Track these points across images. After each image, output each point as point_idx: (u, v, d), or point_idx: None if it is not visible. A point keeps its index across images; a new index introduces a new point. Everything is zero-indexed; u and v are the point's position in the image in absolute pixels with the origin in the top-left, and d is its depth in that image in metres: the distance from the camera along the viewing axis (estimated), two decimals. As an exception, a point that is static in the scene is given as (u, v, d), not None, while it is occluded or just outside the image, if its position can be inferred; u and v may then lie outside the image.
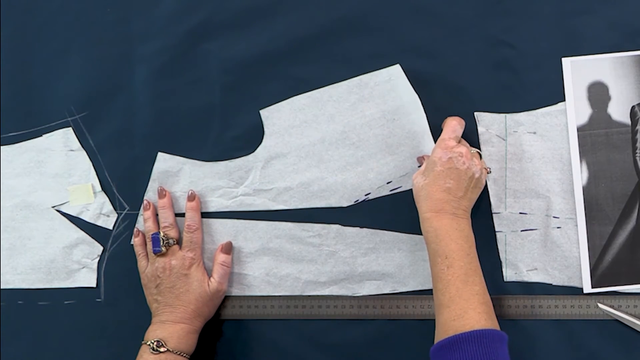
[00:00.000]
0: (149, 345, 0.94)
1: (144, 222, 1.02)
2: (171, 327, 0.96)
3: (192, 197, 1.02)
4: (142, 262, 1.01)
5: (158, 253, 0.99)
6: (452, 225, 0.90)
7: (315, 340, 1.02)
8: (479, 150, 0.97)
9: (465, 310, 0.86)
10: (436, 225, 0.91)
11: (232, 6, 1.03)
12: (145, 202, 1.03)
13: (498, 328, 0.87)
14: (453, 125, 0.95)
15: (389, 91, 1.01)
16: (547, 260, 0.99)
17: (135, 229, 1.03)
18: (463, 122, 0.96)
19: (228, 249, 1.02)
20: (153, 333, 0.96)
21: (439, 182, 0.92)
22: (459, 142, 0.96)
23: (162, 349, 0.94)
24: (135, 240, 1.02)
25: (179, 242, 1.01)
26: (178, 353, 0.95)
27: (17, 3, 1.07)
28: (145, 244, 1.01)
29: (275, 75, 1.03)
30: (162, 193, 1.02)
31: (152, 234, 1.00)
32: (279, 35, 1.03)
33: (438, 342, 0.86)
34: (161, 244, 0.99)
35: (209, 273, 1.01)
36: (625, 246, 0.97)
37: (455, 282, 0.88)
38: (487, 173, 0.96)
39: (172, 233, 1.00)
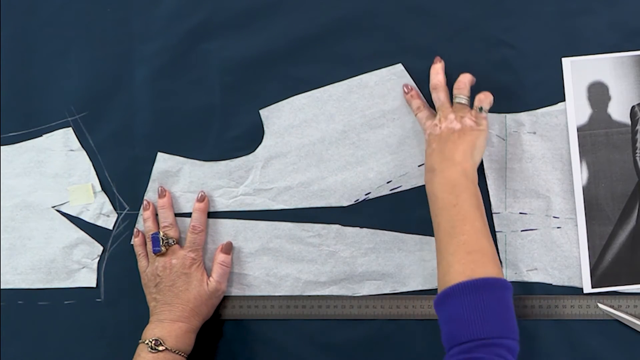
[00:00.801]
0: (147, 344, 0.94)
1: (143, 222, 1.02)
2: (169, 326, 0.96)
3: (201, 199, 1.02)
4: (142, 262, 1.01)
5: (158, 253, 0.99)
6: (437, 180, 0.91)
7: (315, 340, 1.02)
8: (461, 101, 0.95)
9: (450, 265, 0.86)
10: (427, 186, 0.92)
11: (232, 6, 1.03)
12: (145, 202, 1.03)
13: (491, 273, 0.84)
14: (434, 98, 0.97)
15: (390, 91, 1.01)
16: (547, 260, 0.99)
17: (135, 229, 1.03)
18: (438, 85, 0.96)
19: (228, 249, 1.02)
20: (151, 332, 0.96)
21: (429, 150, 0.94)
22: (443, 109, 0.95)
23: (160, 348, 0.94)
24: (135, 241, 1.02)
25: (179, 241, 1.01)
26: (176, 352, 0.95)
27: (17, 3, 1.07)
28: (145, 244, 1.01)
29: (275, 75, 1.03)
30: (162, 193, 1.02)
31: (152, 234, 1.00)
32: (279, 35, 1.03)
33: (435, 299, 0.86)
34: (161, 243, 0.99)
35: (208, 273, 1.01)
36: (625, 246, 0.97)
37: (442, 236, 0.88)
38: (479, 111, 0.94)
39: (172, 233, 1.00)
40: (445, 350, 0.83)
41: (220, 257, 1.01)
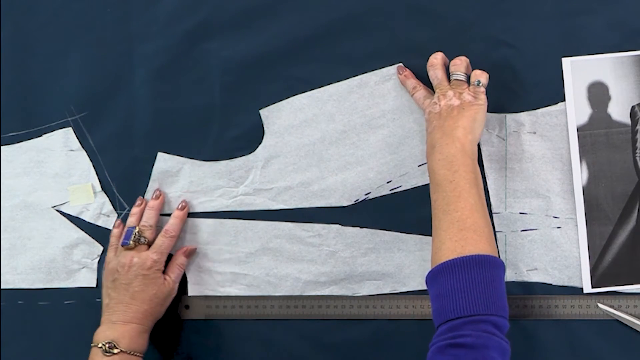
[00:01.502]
0: (101, 347, 0.93)
1: (129, 216, 1.02)
2: (122, 328, 0.94)
3: (182, 208, 1.02)
4: (110, 254, 1.00)
5: (125, 246, 0.98)
6: (435, 156, 0.90)
7: (315, 340, 1.02)
8: (459, 78, 0.95)
9: (442, 242, 0.85)
10: (427, 162, 0.92)
11: (232, 6, 1.03)
12: (139, 200, 1.03)
13: (482, 250, 0.84)
14: (431, 76, 0.96)
15: (390, 91, 1.01)
16: (547, 260, 0.99)
17: (118, 221, 1.03)
18: (435, 62, 0.96)
19: (191, 254, 1.02)
20: (103, 334, 0.94)
21: (429, 128, 0.94)
22: (441, 88, 0.95)
23: (114, 350, 0.92)
24: (114, 231, 1.02)
25: (150, 245, 1.00)
26: (131, 353, 0.94)
27: (17, 3, 1.07)
28: (119, 235, 1.01)
29: (275, 75, 1.03)
30: (156, 196, 1.02)
31: (128, 227, 1.00)
32: (279, 35, 1.03)
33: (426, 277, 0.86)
34: (132, 238, 0.98)
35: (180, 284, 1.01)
36: (625, 246, 0.97)
37: (437, 213, 0.88)
38: (477, 85, 0.94)
39: (148, 234, 1.00)
40: (435, 329, 0.83)
41: (181, 259, 1.01)
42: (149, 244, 1.00)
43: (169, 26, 1.04)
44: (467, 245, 0.84)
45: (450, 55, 0.97)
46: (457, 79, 0.94)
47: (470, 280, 0.81)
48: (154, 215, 1.01)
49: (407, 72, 0.99)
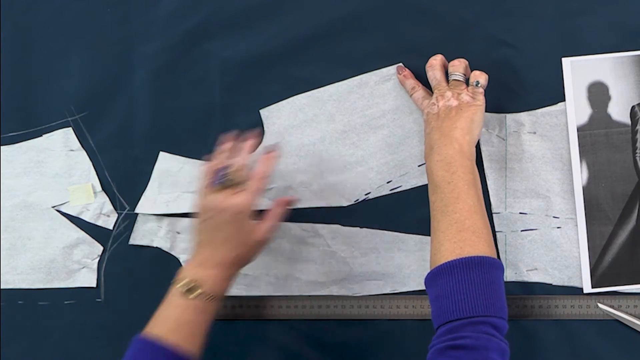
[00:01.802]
0: (181, 287, 0.89)
1: (218, 153, 0.96)
2: (208, 270, 0.90)
3: (273, 149, 0.96)
4: (201, 189, 0.93)
5: (217, 187, 0.91)
6: (434, 157, 0.90)
7: (315, 340, 1.02)
8: (457, 78, 0.94)
9: (441, 243, 0.85)
10: (426, 164, 0.91)
11: (232, 6, 1.03)
12: (226, 137, 0.97)
13: (481, 252, 0.84)
14: (430, 77, 0.96)
15: (390, 91, 1.01)
16: (547, 260, 0.99)
17: (211, 155, 0.96)
18: (434, 63, 0.96)
19: (290, 203, 1.00)
20: (187, 274, 0.90)
21: (428, 129, 0.93)
22: (440, 86, 0.94)
23: (196, 292, 0.88)
24: (205, 166, 0.95)
25: (240, 185, 0.92)
26: (212, 298, 0.89)
27: (17, 3, 1.07)
28: (216, 171, 0.93)
29: (275, 75, 1.03)
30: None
31: (222, 167, 0.92)
32: (279, 35, 1.03)
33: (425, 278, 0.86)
34: (225, 179, 0.91)
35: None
36: (625, 246, 0.97)
37: (436, 214, 0.87)
38: (476, 85, 0.94)
39: (241, 176, 0.92)
40: (434, 330, 0.83)
41: (278, 209, 0.98)
42: (240, 185, 0.92)
43: (169, 26, 1.04)
44: (466, 247, 0.84)
45: (450, 56, 0.97)
46: (456, 79, 0.94)
47: (470, 282, 0.81)
48: (249, 156, 0.93)
49: (407, 72, 0.99)
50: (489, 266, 0.83)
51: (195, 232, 0.93)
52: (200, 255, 0.91)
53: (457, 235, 0.85)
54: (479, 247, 0.84)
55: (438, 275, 0.83)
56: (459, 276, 0.82)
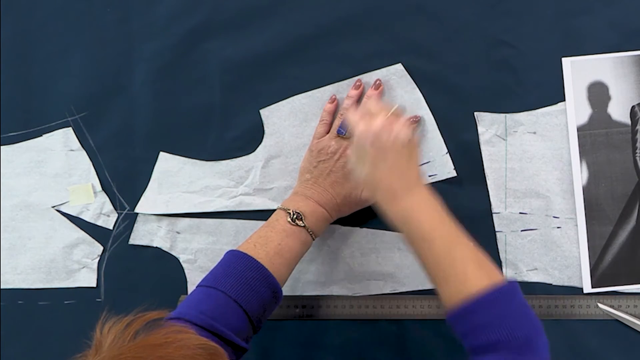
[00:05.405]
0: (289, 213, 0.92)
1: (345, 100, 0.99)
2: (314, 206, 0.94)
3: (377, 86, 0.99)
4: (320, 129, 0.99)
5: (340, 135, 0.96)
6: (413, 204, 0.82)
7: (315, 340, 1.02)
8: (395, 108, 0.87)
9: (465, 276, 0.79)
10: (397, 211, 0.82)
11: (232, 6, 1.03)
12: (359, 81, 1.00)
13: (498, 277, 0.79)
14: (362, 103, 0.96)
15: (390, 91, 1.01)
16: (547, 260, 0.99)
17: (333, 96, 1.01)
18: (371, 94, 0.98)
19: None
20: (295, 203, 0.94)
21: (379, 166, 0.83)
22: (372, 114, 0.85)
23: (299, 222, 0.92)
24: (328, 106, 1.00)
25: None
26: (310, 233, 0.93)
27: (17, 3, 1.07)
28: (334, 115, 0.99)
29: (275, 75, 1.03)
30: (378, 84, 0.99)
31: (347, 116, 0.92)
32: (279, 35, 1.03)
33: (453, 311, 0.79)
34: (349, 129, 0.92)
35: None
36: (625, 246, 0.97)
37: (443, 258, 0.80)
38: (416, 122, 0.95)
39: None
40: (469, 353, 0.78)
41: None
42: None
43: (169, 26, 1.04)
44: (486, 276, 0.79)
45: (451, 56, 0.97)
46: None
47: (511, 304, 0.78)
48: (375, 105, 0.87)
49: (357, 91, 1.00)
50: (517, 287, 0.80)
51: (307, 170, 0.97)
52: (309, 190, 0.95)
53: (475, 270, 0.79)
54: (493, 272, 0.80)
55: (482, 304, 0.78)
56: (507, 302, 0.78)
